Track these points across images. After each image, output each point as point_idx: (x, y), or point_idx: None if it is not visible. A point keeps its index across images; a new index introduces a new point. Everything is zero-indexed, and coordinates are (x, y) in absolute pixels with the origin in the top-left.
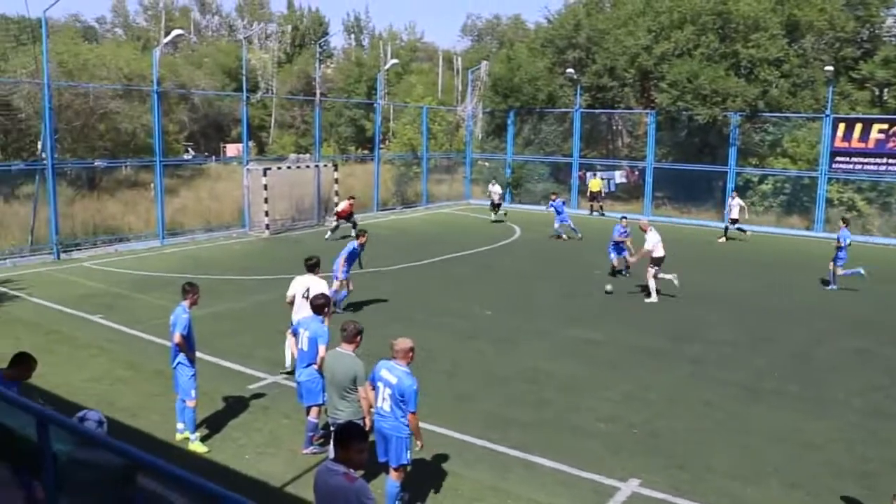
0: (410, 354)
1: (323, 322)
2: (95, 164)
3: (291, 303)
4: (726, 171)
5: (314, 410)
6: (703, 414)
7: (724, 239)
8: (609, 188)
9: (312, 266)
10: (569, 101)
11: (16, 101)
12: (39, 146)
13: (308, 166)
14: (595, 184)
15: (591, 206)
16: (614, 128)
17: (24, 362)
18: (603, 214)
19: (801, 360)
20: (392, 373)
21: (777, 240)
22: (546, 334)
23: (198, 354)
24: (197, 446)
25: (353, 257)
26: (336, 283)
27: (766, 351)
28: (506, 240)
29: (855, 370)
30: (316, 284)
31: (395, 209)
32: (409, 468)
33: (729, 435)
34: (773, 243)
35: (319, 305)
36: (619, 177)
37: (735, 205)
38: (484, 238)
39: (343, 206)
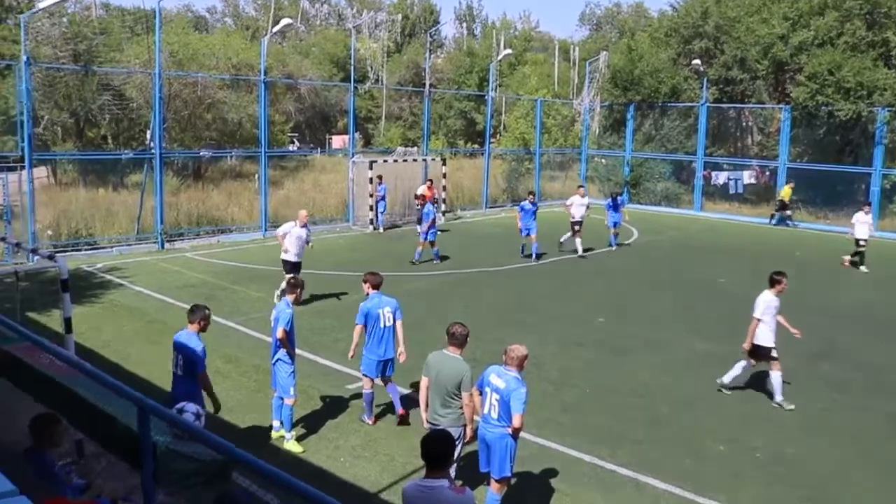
0: (524, 363)
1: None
2: (201, 153)
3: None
4: (870, 174)
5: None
6: (842, 443)
7: (848, 261)
8: (736, 189)
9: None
10: (694, 95)
11: (128, 91)
12: (148, 135)
13: (415, 160)
14: (787, 192)
15: (779, 214)
16: (743, 124)
17: None
18: (789, 223)
19: None
20: (502, 378)
21: None
22: (662, 345)
23: (297, 351)
24: (293, 445)
25: (427, 217)
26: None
27: None
28: (627, 241)
29: None
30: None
31: (505, 206)
32: (512, 481)
33: (874, 469)
34: None
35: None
36: (747, 177)
37: (864, 221)
38: (599, 240)
39: (422, 190)
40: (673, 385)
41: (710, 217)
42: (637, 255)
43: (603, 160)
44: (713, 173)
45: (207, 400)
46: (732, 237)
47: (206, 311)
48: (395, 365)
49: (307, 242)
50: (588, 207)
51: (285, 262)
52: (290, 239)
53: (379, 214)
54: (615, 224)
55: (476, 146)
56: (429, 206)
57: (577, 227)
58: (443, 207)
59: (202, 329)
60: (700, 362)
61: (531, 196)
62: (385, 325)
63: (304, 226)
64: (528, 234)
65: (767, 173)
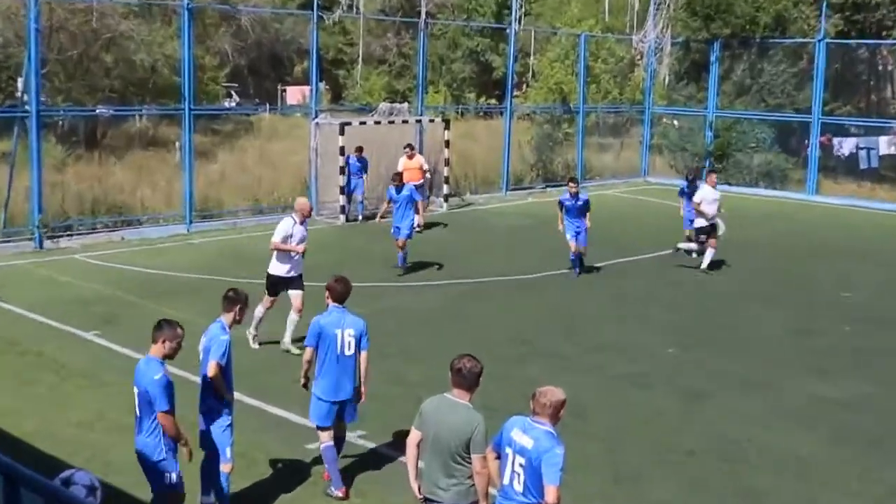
0: (560, 412)
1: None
2: (97, 111)
3: None
4: None
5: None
6: None
7: None
8: (868, 163)
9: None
10: (808, 28)
11: None
12: (19, 85)
13: (406, 121)
14: None
15: None
16: (880, 69)
17: None
18: None
19: None
20: (529, 434)
21: None
22: (761, 387)
23: (236, 395)
24: None
25: (402, 204)
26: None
27: None
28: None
29: None
30: None
31: (534, 188)
32: None
33: None
34: None
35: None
36: (885, 145)
37: None
38: (667, 236)
39: (404, 163)
40: (776, 444)
41: (831, 203)
42: (726, 258)
43: (675, 122)
44: (835, 140)
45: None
46: (863, 231)
47: (179, 331)
48: (356, 408)
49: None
50: (720, 205)
51: (272, 277)
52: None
53: (356, 200)
54: (692, 221)
55: (493, 102)
56: (409, 188)
57: (704, 237)
58: (444, 190)
59: (169, 355)
60: (817, 412)
61: (573, 185)
62: (344, 353)
63: (304, 222)
64: (576, 240)
65: None
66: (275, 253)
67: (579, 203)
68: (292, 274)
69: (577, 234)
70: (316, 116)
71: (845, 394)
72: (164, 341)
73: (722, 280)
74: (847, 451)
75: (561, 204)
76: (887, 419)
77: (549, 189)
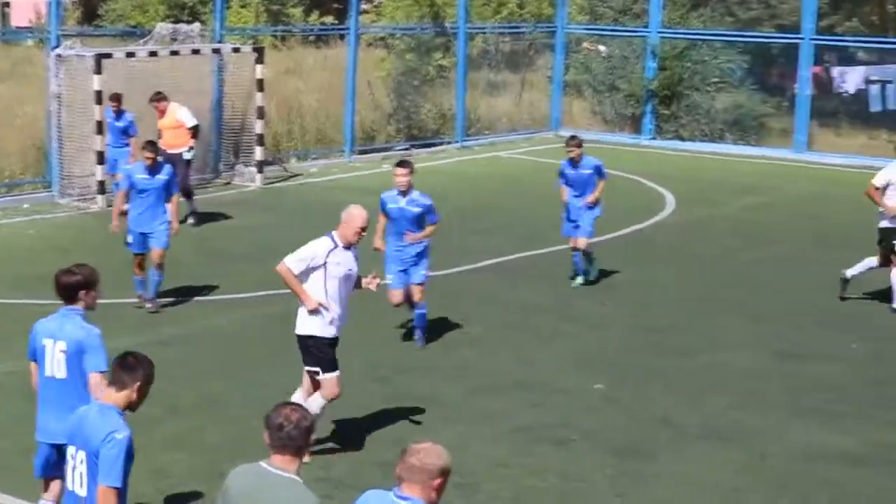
0: (438, 481)
1: (85, 320)
2: None
3: None
4: None
5: None
6: None
7: None
8: (883, 104)
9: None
10: None
11: None
12: None
13: (198, 51)
14: None
15: None
16: None
17: None
18: None
19: None
20: None
21: None
22: (730, 441)
23: None
24: None
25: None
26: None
27: None
28: (641, 222)
29: None
30: None
31: (392, 150)
32: None
33: None
34: None
35: (68, 285)
36: None
37: None
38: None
39: (174, 119)
40: None
41: (830, 164)
42: (675, 248)
43: (601, 47)
44: (835, 71)
45: None
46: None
47: (147, 372)
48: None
49: None
50: None
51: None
52: None
53: (119, 173)
54: (574, 220)
55: (330, 21)
56: (167, 170)
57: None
58: (257, 156)
59: (131, 405)
60: (814, 474)
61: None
62: (50, 374)
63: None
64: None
65: None
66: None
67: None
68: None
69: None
70: (57, 44)
71: (853, 445)
72: (138, 388)
73: (671, 284)
74: None
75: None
76: None
77: (415, 151)
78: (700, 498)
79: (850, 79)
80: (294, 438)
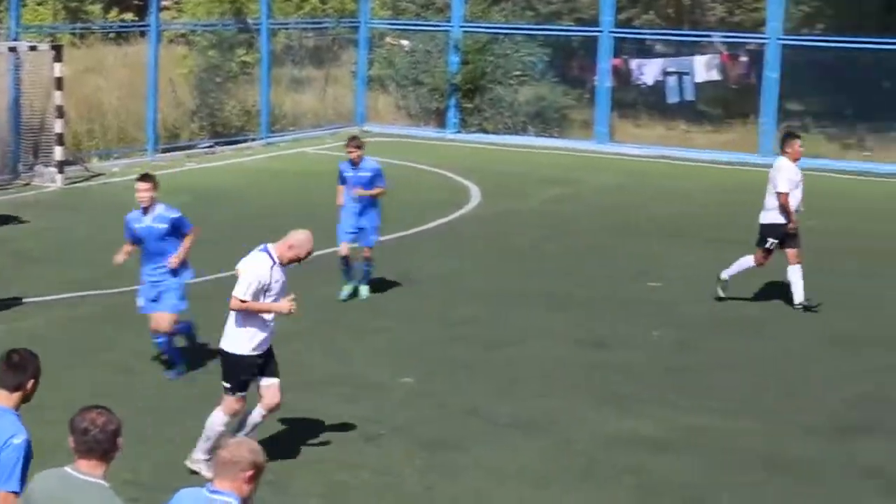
0: (250, 474)
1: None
2: None
3: None
4: None
5: None
6: None
7: None
8: (681, 95)
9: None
10: None
11: None
12: None
13: None
14: None
15: None
16: None
17: None
18: None
19: None
20: None
21: None
22: (536, 430)
23: None
24: None
25: None
26: None
27: None
28: (447, 215)
29: None
30: None
31: (196, 147)
32: None
33: None
34: None
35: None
36: (703, 69)
37: None
38: (397, 213)
39: None
40: None
41: (631, 154)
42: (477, 242)
43: (405, 42)
44: (634, 63)
45: None
46: (676, 194)
47: (36, 365)
48: None
49: None
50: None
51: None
52: None
53: None
54: (359, 232)
55: (130, 18)
56: None
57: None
58: (57, 156)
59: (25, 399)
60: (617, 459)
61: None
62: None
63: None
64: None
65: (744, 59)
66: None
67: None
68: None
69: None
70: None
71: (656, 431)
72: (31, 384)
73: (478, 276)
74: None
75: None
76: (714, 465)
77: (219, 148)
78: (508, 486)
79: (649, 71)
80: (100, 442)
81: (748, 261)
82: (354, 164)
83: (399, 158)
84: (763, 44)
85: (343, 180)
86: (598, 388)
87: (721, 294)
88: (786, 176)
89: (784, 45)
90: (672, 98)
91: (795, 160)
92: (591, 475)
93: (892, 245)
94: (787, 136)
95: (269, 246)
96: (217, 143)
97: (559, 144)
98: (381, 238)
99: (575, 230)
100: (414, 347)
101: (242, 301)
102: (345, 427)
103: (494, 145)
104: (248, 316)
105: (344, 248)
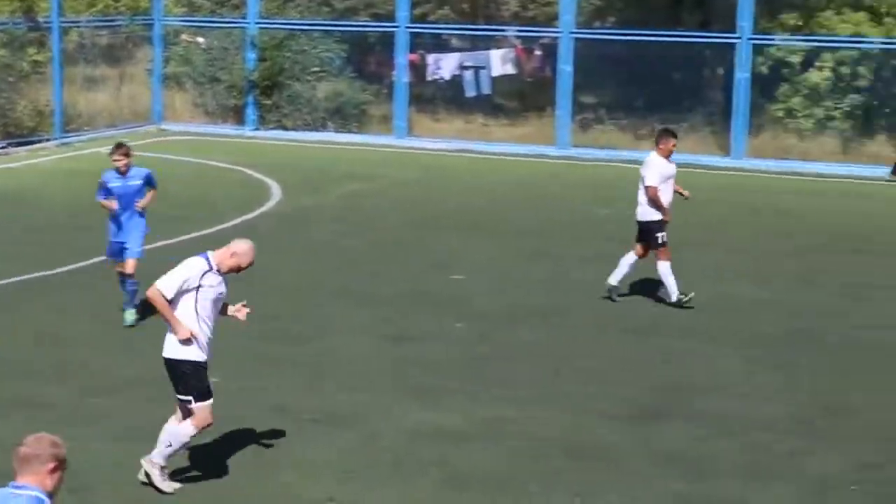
0: (52, 466)
1: None
2: None
3: None
4: (734, 45)
5: None
6: None
7: None
8: (477, 89)
9: None
10: None
11: None
12: None
13: None
14: None
15: None
16: None
17: None
18: None
19: None
20: None
21: (859, 193)
22: (340, 424)
23: None
24: None
25: None
26: None
27: None
28: (248, 212)
29: None
30: None
31: None
32: None
33: None
34: (866, 197)
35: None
36: (498, 64)
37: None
38: (198, 211)
39: None
40: (369, 500)
41: (429, 148)
42: (279, 238)
43: (200, 39)
44: (431, 58)
45: None
46: (473, 188)
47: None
48: None
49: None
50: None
51: None
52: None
53: None
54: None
55: None
56: None
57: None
58: None
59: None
60: (422, 450)
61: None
62: None
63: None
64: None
65: (539, 53)
66: None
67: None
68: None
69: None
70: None
71: (459, 421)
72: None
73: (280, 272)
74: (462, 500)
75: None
76: (517, 454)
77: (11, 149)
78: (316, 481)
79: (445, 65)
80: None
81: (665, 267)
82: (122, 173)
83: (198, 157)
84: (556, 37)
85: (108, 192)
86: (403, 382)
87: (616, 298)
88: (656, 170)
89: (576, 39)
90: (469, 92)
91: (667, 156)
92: (398, 468)
93: (684, 233)
94: (663, 133)
95: (210, 252)
96: (9, 144)
97: (358, 140)
98: (146, 247)
99: (376, 225)
100: (219, 345)
101: (160, 293)
102: (149, 429)
103: (294, 142)
104: (187, 319)
105: (116, 265)
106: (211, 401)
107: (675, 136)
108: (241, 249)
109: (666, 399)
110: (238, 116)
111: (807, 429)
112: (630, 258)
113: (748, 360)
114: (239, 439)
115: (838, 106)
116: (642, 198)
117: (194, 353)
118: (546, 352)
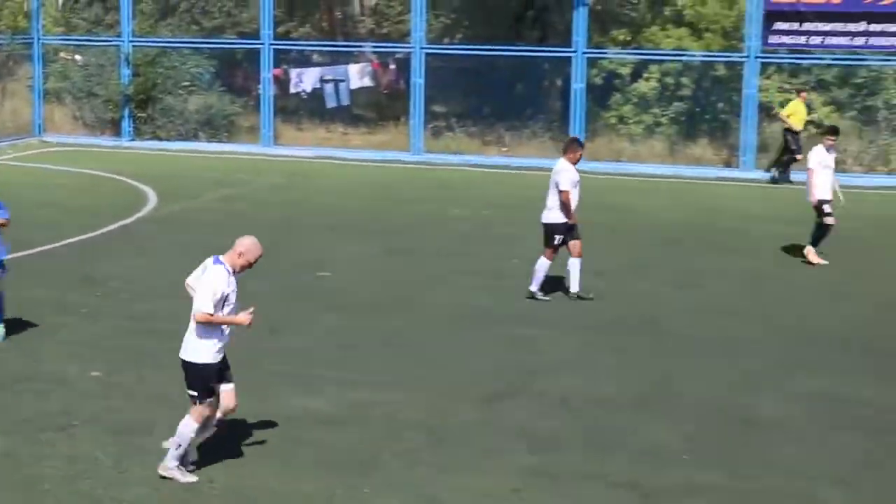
0: None
1: None
2: None
3: None
4: (570, 58)
5: None
6: None
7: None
8: (338, 100)
9: None
10: None
11: None
12: None
13: None
14: (797, 110)
15: (782, 159)
16: None
17: None
18: (786, 178)
19: None
20: None
21: (685, 191)
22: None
23: None
24: None
25: None
26: None
27: None
28: (126, 218)
29: None
30: None
31: None
32: None
33: None
34: (691, 194)
35: None
36: (357, 76)
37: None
38: (78, 218)
39: None
40: (232, 482)
41: (295, 155)
42: (155, 241)
43: (77, 57)
44: (293, 72)
45: None
46: (336, 191)
47: None
48: None
49: None
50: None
51: None
52: None
53: None
54: None
55: None
56: None
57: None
58: None
59: None
60: (298, 432)
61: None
62: None
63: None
64: None
65: (393, 67)
66: None
67: None
68: None
69: None
70: None
71: (331, 405)
72: None
73: (155, 273)
74: (334, 479)
75: None
76: (381, 435)
77: None
78: (197, 466)
79: (307, 79)
80: None
81: (544, 264)
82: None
83: (78, 167)
84: (409, 53)
85: None
86: (274, 370)
87: (546, 298)
88: (568, 177)
89: (428, 54)
90: (330, 103)
91: (574, 163)
92: (274, 452)
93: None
94: (571, 142)
95: (221, 257)
96: None
97: (228, 149)
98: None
99: (246, 227)
100: (100, 342)
101: (210, 315)
102: (37, 421)
103: (168, 151)
104: (209, 327)
105: None
106: (212, 399)
107: (582, 145)
108: (246, 247)
109: (513, 380)
110: (115, 128)
111: (640, 405)
112: (571, 262)
113: (586, 344)
114: (121, 429)
115: (664, 113)
116: (552, 202)
117: (205, 357)
118: (406, 340)
